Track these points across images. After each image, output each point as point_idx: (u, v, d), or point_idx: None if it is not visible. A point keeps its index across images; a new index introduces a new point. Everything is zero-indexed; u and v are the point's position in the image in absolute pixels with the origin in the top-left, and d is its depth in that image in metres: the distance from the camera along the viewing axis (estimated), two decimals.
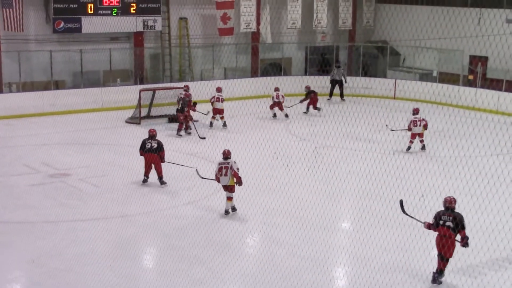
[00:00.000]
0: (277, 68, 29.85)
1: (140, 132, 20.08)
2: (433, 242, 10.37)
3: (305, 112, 24.55)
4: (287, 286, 9.96)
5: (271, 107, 23.44)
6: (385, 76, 29.30)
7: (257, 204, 13.75)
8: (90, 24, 25.07)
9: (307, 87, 25.06)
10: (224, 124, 21.58)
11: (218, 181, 13.17)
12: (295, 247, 11.57)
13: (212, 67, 28.48)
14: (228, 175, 12.95)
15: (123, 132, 20.68)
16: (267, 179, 15.55)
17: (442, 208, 10.21)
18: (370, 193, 14.52)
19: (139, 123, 22.05)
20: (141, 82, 26.41)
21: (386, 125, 19.58)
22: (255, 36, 29.56)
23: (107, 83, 26.00)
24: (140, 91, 22.66)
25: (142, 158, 15.29)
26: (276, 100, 23.21)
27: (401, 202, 10.80)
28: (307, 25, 30.15)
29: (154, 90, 23.37)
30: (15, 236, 12.09)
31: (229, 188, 13.15)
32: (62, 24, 24.67)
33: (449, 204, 10.13)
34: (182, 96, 21.14)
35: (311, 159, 17.18)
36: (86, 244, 11.69)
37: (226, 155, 13.16)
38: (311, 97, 24.42)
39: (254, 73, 29.34)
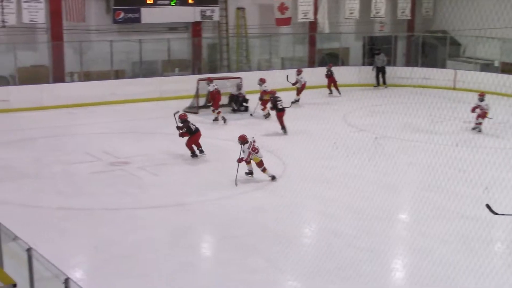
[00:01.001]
0: (334, 58, 29.64)
1: (198, 121, 20.21)
2: (495, 234, 10.11)
3: (329, 93, 25.43)
4: (344, 277, 9.90)
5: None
6: (444, 67, 28.74)
7: (315, 194, 13.70)
8: (149, 15, 25.36)
9: (330, 65, 25.70)
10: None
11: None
12: (352, 238, 11.48)
13: (269, 57, 28.46)
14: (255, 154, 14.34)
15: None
16: (325, 169, 15.45)
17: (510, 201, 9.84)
18: (431, 185, 14.24)
19: (197, 113, 22.20)
20: (199, 72, 26.59)
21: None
22: (313, 26, 29.40)
23: (165, 72, 26.28)
24: (198, 80, 22.82)
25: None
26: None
27: (487, 206, 10.24)
28: (365, 15, 29.81)
29: (212, 79, 23.47)
30: (77, 223, 12.34)
31: (259, 165, 14.49)
32: (122, 15, 25.02)
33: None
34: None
35: (371, 149, 16.94)
36: (145, 231, 11.85)
37: (244, 139, 14.46)
38: (329, 75, 25.26)
39: (311, 63, 29.19)
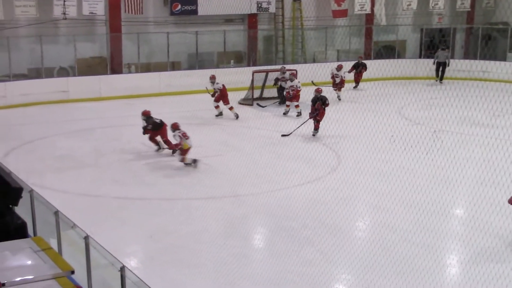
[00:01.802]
0: (391, 51, 29.30)
1: (253, 113, 20.31)
2: None
3: (355, 87, 25.01)
4: (398, 272, 9.78)
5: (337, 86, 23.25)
6: (505, 59, 28.08)
7: (369, 188, 13.58)
8: (205, 6, 25.52)
9: (360, 57, 25.47)
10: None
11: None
12: (407, 232, 11.34)
13: (325, 49, 28.31)
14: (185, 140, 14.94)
15: (236, 113, 20.93)
16: (380, 163, 15.30)
17: None
18: (490, 180, 13.94)
19: (252, 105, 22.27)
20: (254, 64, 26.65)
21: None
22: (369, 18, 29.13)
23: (221, 64, 26.42)
24: (253, 72, 22.87)
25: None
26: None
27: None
28: (423, 6, 29.36)
29: (267, 72, 23.50)
30: (133, 212, 12.53)
31: (184, 152, 15.06)
32: (179, 7, 25.26)
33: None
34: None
35: (428, 143, 16.65)
36: (200, 222, 11.95)
37: (176, 126, 15.14)
38: (360, 70, 24.76)
39: (367, 56, 28.94)
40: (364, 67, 25.09)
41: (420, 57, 29.13)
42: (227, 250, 10.66)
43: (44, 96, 22.51)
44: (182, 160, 14.99)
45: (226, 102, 20.28)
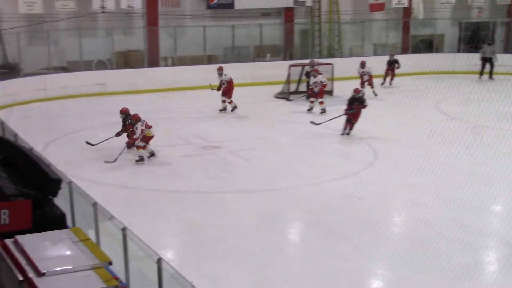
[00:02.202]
0: (428, 45, 28.97)
1: (289, 107, 20.26)
2: None
3: (382, 83, 24.48)
4: (435, 268, 9.67)
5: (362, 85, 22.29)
6: None
7: (407, 183, 13.46)
8: (242, 0, 25.51)
9: (391, 55, 24.68)
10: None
11: None
12: (445, 228, 11.21)
13: (361, 43, 28.12)
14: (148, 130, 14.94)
15: (272, 107, 20.94)
16: (418, 158, 15.14)
17: None
18: None
19: (288, 98, 22.22)
20: (290, 58, 26.61)
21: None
22: (407, 11, 28.85)
23: (257, 58, 26.42)
24: (290, 66, 22.82)
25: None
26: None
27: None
28: (462, 0, 28.96)
29: (303, 66, 23.43)
30: (169, 204, 12.61)
31: (146, 139, 15.03)
32: (215, 0, 25.30)
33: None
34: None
35: (467, 138, 16.37)
36: (235, 215, 11.97)
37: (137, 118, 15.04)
38: (393, 67, 24.25)
39: (404, 50, 28.65)
40: (397, 63, 24.57)
41: (458, 51, 28.74)
42: (262, 244, 10.65)
43: (83, 89, 22.78)
44: (143, 148, 14.95)
45: (229, 95, 20.25)
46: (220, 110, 20.40)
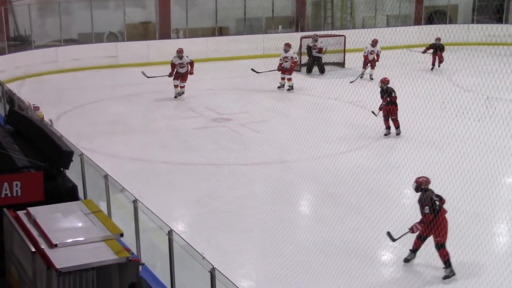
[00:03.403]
0: (442, 16, 28.65)
1: (300, 79, 20.18)
2: None
3: (431, 69, 23.00)
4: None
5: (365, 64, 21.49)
6: None
7: (418, 155, 13.39)
8: None
9: (438, 39, 23.24)
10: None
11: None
12: (456, 200, 11.16)
13: (374, 15, 27.86)
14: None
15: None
16: (430, 130, 15.06)
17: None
18: None
19: (299, 70, 22.11)
20: (302, 30, 26.41)
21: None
22: None
23: (269, 30, 26.25)
24: (301, 38, 22.66)
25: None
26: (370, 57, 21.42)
27: (388, 234, 9.40)
28: None
29: (302, 38, 23.25)
30: (181, 177, 12.66)
31: None
32: None
33: (426, 184, 9.19)
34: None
35: (480, 111, 16.24)
36: (246, 187, 12.01)
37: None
38: (437, 52, 23.00)
39: (417, 21, 28.36)
40: (442, 49, 23.38)
41: (472, 22, 28.41)
42: (273, 215, 10.69)
43: (94, 61, 22.77)
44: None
45: (290, 73, 19.74)
46: (278, 87, 20.02)
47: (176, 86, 18.62)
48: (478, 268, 9.05)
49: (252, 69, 19.50)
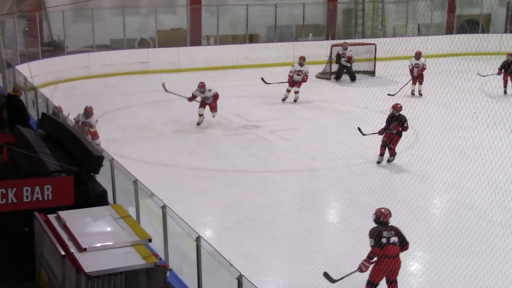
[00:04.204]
0: (475, 25, 28.40)
1: (330, 87, 20.15)
2: None
3: (504, 92, 20.71)
4: (476, 251, 9.57)
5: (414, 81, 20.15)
6: None
7: (448, 165, 13.29)
8: None
9: (510, 55, 20.83)
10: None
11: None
12: (486, 212, 11.06)
13: (405, 23, 27.71)
14: None
15: (313, 86, 20.81)
16: (460, 140, 14.91)
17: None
18: None
19: (329, 79, 22.11)
20: (333, 38, 26.38)
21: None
22: None
23: (299, 37, 26.27)
24: (332, 46, 22.63)
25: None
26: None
27: (326, 275, 8.90)
28: None
29: (333, 46, 23.22)
30: (209, 183, 12.69)
31: None
32: None
33: (385, 218, 8.39)
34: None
35: (509, 121, 16.08)
36: (275, 195, 11.99)
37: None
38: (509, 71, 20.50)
39: (449, 30, 28.15)
40: None
41: (505, 32, 28.11)
42: (302, 223, 10.67)
43: (125, 67, 22.97)
44: None
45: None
46: (283, 100, 19.37)
47: (200, 115, 16.70)
48: (510, 280, 8.92)
49: (261, 79, 19.13)
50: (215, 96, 16.56)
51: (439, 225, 10.60)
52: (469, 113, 16.29)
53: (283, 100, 19.36)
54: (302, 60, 19.28)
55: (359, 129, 14.27)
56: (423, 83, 20.11)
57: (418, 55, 20.11)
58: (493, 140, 14.50)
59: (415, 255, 9.73)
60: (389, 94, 18.75)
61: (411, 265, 9.59)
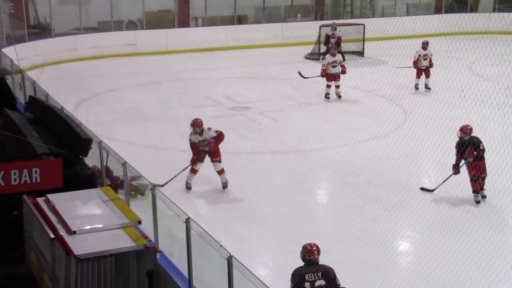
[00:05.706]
0: (463, 4, 28.37)
1: (319, 68, 20.08)
2: None
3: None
4: (464, 231, 9.59)
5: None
6: None
7: (436, 144, 13.32)
8: None
9: (425, 43, 18.54)
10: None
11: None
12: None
13: (394, 3, 27.65)
14: None
15: (302, 67, 20.72)
16: (449, 119, 14.96)
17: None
18: None
19: (318, 59, 22.06)
20: (321, 18, 26.31)
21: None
22: None
23: (287, 18, 26.18)
24: (320, 27, 22.58)
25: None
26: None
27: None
28: None
29: (321, 26, 23.17)
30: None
31: None
32: None
33: (311, 255, 6.89)
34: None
35: (500, 100, 16.08)
36: (264, 176, 12.00)
37: None
38: None
39: (438, 10, 28.12)
40: None
41: (494, 11, 28.12)
42: (291, 204, 10.70)
43: (113, 49, 22.85)
44: None
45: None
46: (327, 97, 17.55)
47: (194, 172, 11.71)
48: (500, 259, 8.99)
49: (299, 73, 17.86)
50: (218, 136, 11.66)
51: (428, 204, 10.65)
52: (457, 92, 16.35)
53: (327, 97, 17.48)
54: (334, 50, 17.91)
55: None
56: (430, 75, 18.32)
57: (425, 45, 18.32)
58: (480, 118, 14.57)
59: (403, 234, 9.80)
60: (394, 66, 18.12)
61: (400, 244, 9.66)
